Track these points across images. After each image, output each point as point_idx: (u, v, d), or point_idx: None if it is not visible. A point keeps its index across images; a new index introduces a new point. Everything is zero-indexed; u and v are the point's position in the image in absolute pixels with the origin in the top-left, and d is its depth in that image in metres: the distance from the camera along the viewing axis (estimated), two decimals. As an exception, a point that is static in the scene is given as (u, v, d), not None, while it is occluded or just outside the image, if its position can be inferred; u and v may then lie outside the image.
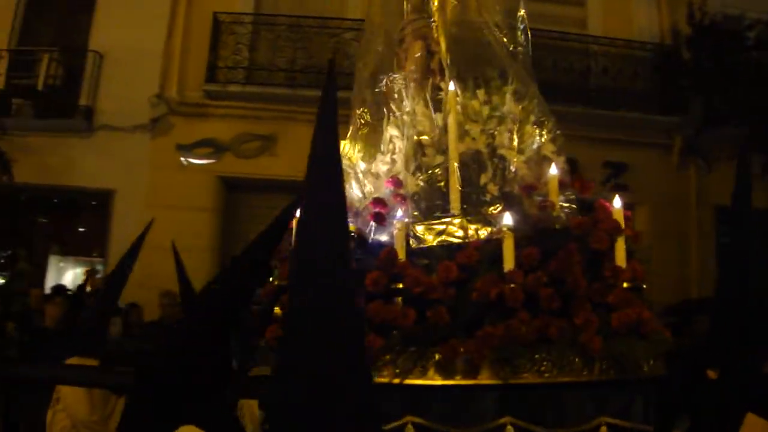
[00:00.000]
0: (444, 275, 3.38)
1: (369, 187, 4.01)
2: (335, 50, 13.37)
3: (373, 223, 3.67)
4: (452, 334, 3.27)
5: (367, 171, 4.09)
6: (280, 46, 14.02)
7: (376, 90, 4.28)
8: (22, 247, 13.59)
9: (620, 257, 3.60)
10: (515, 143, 4.04)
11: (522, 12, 4.57)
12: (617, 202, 3.74)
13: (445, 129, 3.92)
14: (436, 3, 4.32)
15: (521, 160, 3.99)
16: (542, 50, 13.47)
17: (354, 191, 4.05)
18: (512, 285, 3.36)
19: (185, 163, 13.79)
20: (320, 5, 14.35)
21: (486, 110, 4.05)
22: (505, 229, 3.49)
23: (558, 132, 4.17)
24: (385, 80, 4.25)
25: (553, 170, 3.86)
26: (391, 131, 4.10)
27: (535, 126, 4.13)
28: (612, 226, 3.62)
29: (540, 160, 4.03)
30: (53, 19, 14.54)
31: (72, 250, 14.69)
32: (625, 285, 3.50)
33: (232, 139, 13.81)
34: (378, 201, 3.73)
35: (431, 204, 3.84)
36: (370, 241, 3.67)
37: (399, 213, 3.63)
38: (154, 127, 13.75)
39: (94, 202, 14.01)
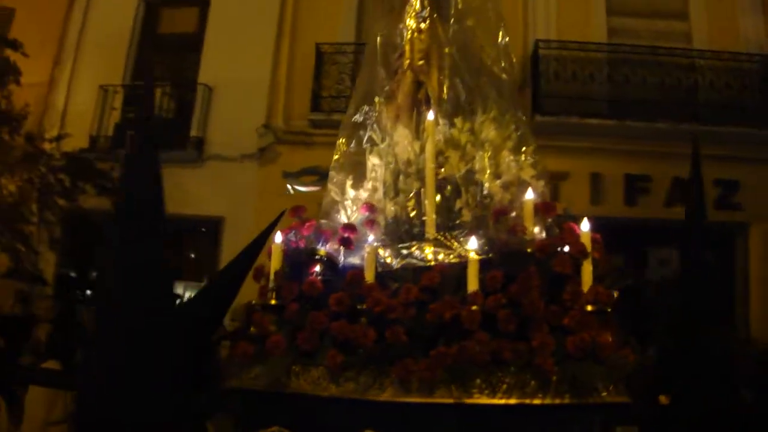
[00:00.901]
0: (404, 296, 3.45)
1: (355, 214, 4.13)
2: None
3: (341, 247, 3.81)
4: (408, 353, 3.32)
5: (356, 198, 4.22)
6: (381, 75, 14.26)
7: (353, 120, 4.41)
8: (137, 272, 14.26)
9: (586, 281, 3.59)
10: (490, 169, 4.08)
11: (502, 37, 4.54)
12: (585, 226, 3.73)
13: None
14: (408, 34, 4.38)
15: (497, 185, 4.02)
16: (647, 67, 13.18)
17: (341, 218, 4.19)
18: (473, 307, 3.38)
19: (291, 190, 14.18)
20: (418, 33, 14.55)
21: (465, 137, 4.10)
22: (470, 252, 3.53)
23: (538, 157, 4.20)
24: (364, 109, 4.37)
25: (529, 194, 3.90)
26: (373, 160, 4.24)
27: (511, 152, 4.13)
28: (577, 249, 3.61)
29: (521, 185, 4.03)
30: (164, 56, 15.45)
31: (183, 275, 15.34)
32: (589, 308, 3.47)
33: (337, 167, 14.12)
34: (347, 226, 3.89)
35: (408, 229, 3.95)
36: (341, 264, 3.79)
37: (370, 238, 3.73)
38: (261, 156, 14.25)
39: (204, 229, 14.60)
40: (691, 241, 3.52)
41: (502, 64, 4.52)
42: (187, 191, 13.83)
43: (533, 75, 13.48)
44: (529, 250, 3.64)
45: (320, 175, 14.26)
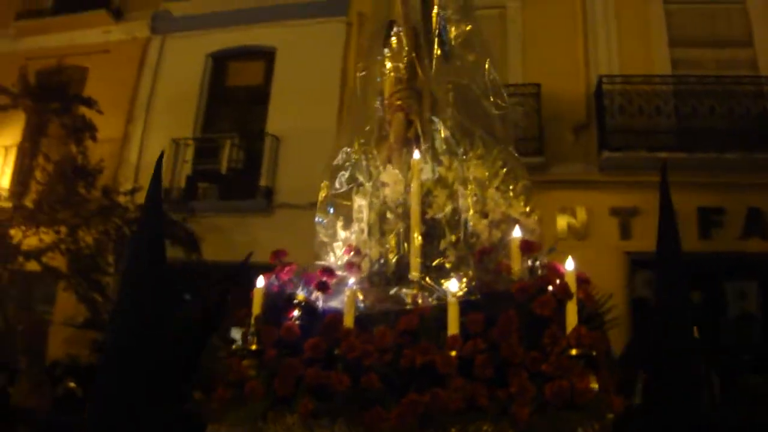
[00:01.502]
0: (379, 341, 3.42)
1: (344, 256, 4.13)
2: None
3: (320, 292, 3.80)
4: (381, 400, 3.27)
5: (346, 240, 4.23)
6: (447, 118, 14.26)
7: (335, 163, 4.44)
8: (208, 320, 14.55)
9: (571, 322, 3.37)
10: (476, 207, 4.01)
11: (489, 72, 4.50)
12: (569, 265, 3.53)
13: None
14: (387, 75, 4.40)
15: (484, 224, 3.94)
16: (714, 97, 12.83)
17: (331, 260, 4.20)
18: (452, 352, 3.33)
19: (360, 236, 14.26)
20: (482, 75, 14.45)
21: (451, 175, 4.05)
22: (450, 294, 3.48)
23: (528, 194, 4.09)
24: (346, 150, 4.39)
25: (516, 232, 3.77)
26: (358, 201, 4.23)
27: (498, 189, 4.06)
28: (560, 289, 3.42)
29: (511, 222, 3.94)
30: (233, 108, 15.94)
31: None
32: (573, 352, 3.26)
33: (407, 212, 14.15)
34: (325, 270, 3.87)
35: (394, 271, 3.91)
36: (321, 308, 3.78)
37: (351, 281, 3.72)
38: (330, 204, 14.28)
39: (275, 277, 14.78)
40: (666, 276, 3.37)
41: (491, 99, 4.45)
42: (257, 239, 14.04)
43: (598, 111, 13.24)
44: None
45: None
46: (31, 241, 13.00)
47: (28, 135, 14.57)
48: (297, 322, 3.71)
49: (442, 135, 4.21)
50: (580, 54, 13.92)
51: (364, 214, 4.17)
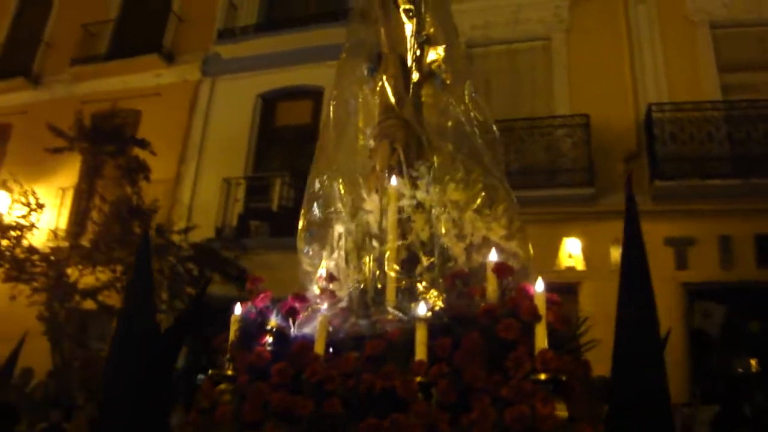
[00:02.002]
0: (343, 366, 3.41)
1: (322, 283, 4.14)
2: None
3: (291, 318, 3.82)
4: (343, 424, 3.27)
5: (326, 267, 4.24)
6: (496, 149, 14.17)
7: (311, 191, 4.44)
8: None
9: (540, 345, 3.25)
10: (454, 231, 3.96)
11: (469, 92, 4.45)
12: (539, 285, 3.38)
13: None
14: (360, 102, 4.40)
15: (461, 248, 3.88)
16: (757, 122, 12.51)
17: (315, 288, 4.21)
18: (416, 377, 3.29)
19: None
20: (530, 106, 14.39)
21: (429, 200, 4.03)
22: (418, 319, 3.45)
23: (510, 217, 3.99)
24: (323, 179, 4.40)
25: (493, 256, 3.70)
26: (338, 229, 4.23)
27: (476, 213, 3.99)
28: (528, 312, 3.30)
29: (490, 246, 3.87)
30: (282, 147, 16.23)
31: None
32: (542, 377, 3.13)
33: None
34: (296, 296, 3.88)
35: (373, 297, 3.91)
36: (294, 335, 3.79)
37: (323, 307, 3.73)
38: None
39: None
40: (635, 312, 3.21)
41: (474, 121, 4.40)
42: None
43: (648, 140, 12.99)
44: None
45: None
46: (87, 280, 13.39)
47: (84, 176, 15.08)
48: (269, 348, 3.73)
49: (422, 159, 4.19)
50: (627, 82, 13.73)
51: (343, 242, 4.18)
